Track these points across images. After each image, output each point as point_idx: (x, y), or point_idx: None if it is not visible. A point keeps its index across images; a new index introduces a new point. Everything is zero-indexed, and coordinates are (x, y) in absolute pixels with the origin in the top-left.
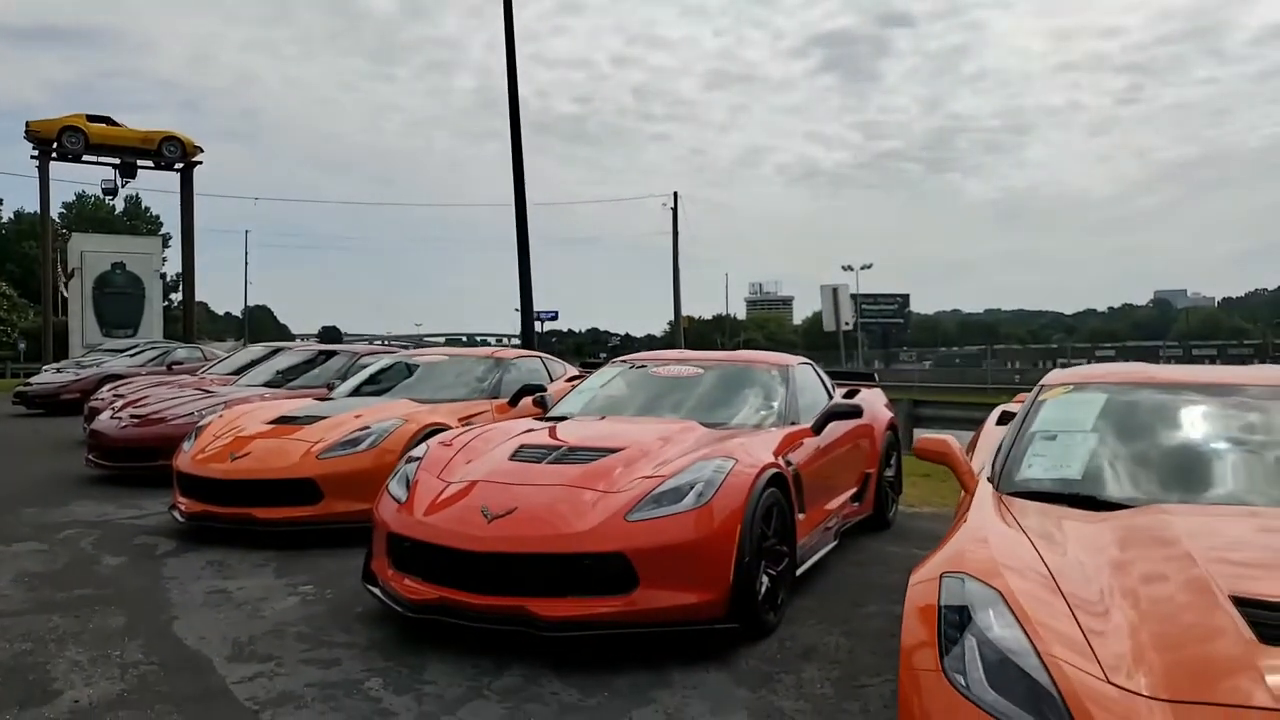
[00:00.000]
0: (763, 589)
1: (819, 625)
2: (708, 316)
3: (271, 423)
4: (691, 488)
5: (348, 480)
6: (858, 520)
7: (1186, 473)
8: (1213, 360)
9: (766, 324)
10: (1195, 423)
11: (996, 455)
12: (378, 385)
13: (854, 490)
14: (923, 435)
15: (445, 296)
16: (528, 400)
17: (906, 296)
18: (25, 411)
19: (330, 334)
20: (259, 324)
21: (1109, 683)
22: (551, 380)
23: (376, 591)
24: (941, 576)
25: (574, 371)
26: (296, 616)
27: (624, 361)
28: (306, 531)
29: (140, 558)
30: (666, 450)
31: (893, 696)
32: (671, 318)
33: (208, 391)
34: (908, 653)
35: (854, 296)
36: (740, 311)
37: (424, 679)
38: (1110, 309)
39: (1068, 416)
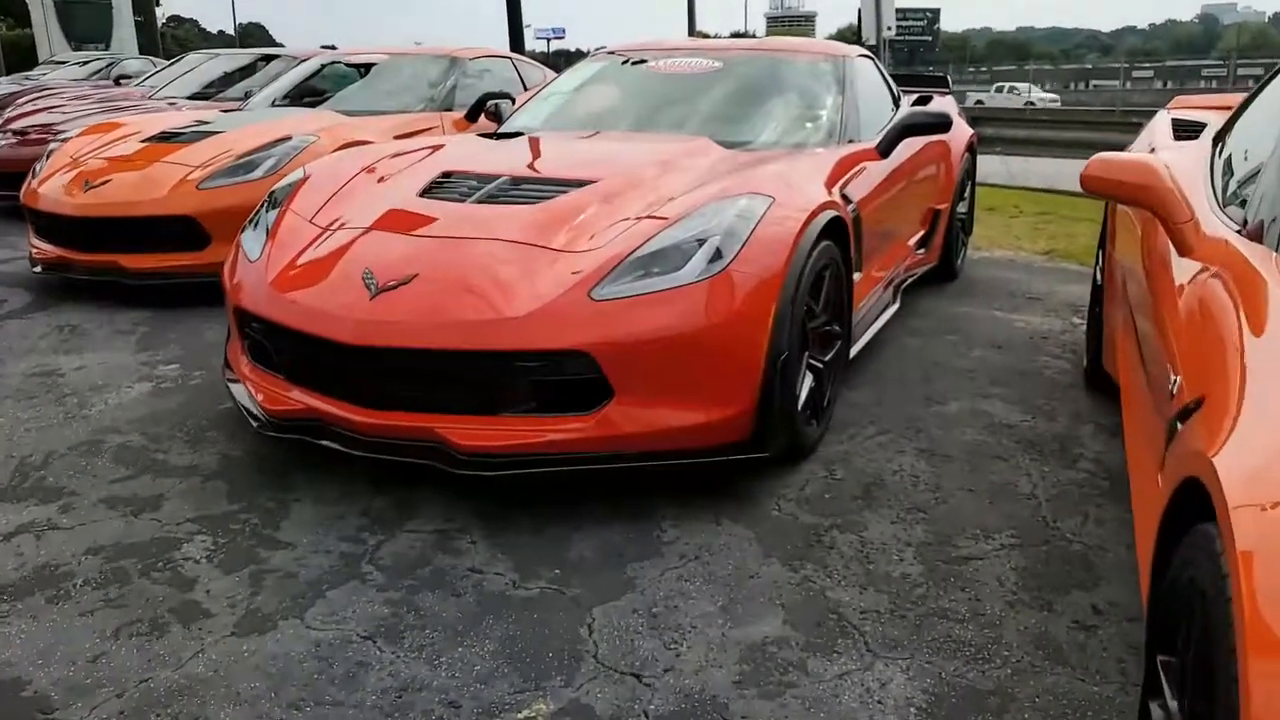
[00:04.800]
0: (804, 392)
1: (881, 437)
2: (725, 34)
3: (146, 140)
4: (701, 244)
5: (241, 218)
6: (922, 272)
7: None
8: (1257, 80)
9: None
10: None
11: (1251, 192)
12: (304, 95)
13: (921, 233)
14: (1100, 156)
15: (457, 15)
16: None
17: (937, 12)
18: None
19: None
20: (253, 42)
21: None
22: (526, 90)
23: (232, 391)
24: None
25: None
26: (134, 417)
27: (610, 53)
28: (199, 287)
29: None
30: (665, 182)
31: (1025, 578)
32: (685, 35)
33: (115, 105)
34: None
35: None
36: (760, 29)
37: (275, 539)
38: (1151, 25)
39: None
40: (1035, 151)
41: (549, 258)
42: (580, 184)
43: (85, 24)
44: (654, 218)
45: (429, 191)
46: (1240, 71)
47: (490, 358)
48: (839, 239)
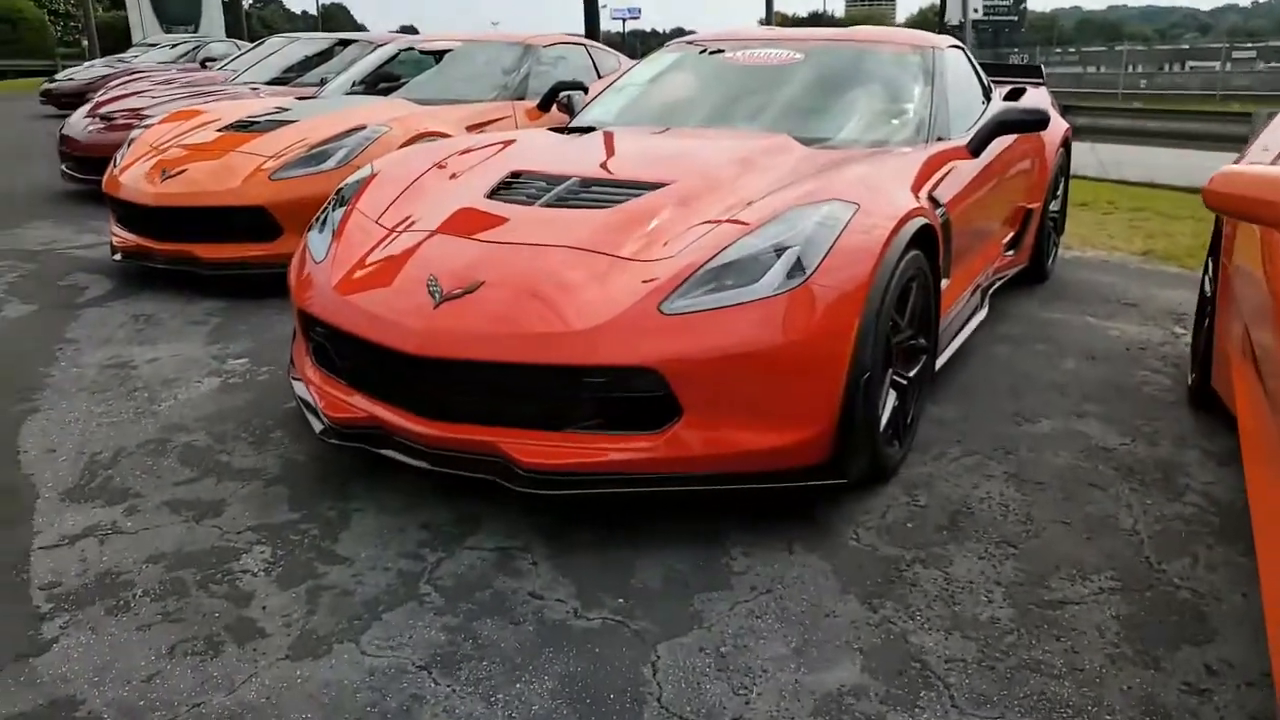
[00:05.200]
0: (887, 411)
1: (968, 459)
2: (803, 14)
3: (223, 129)
4: (779, 254)
5: (312, 209)
6: (1012, 274)
7: None
8: None
9: (867, 21)
10: None
11: None
12: (379, 81)
13: (1011, 234)
14: (1229, 170)
15: None
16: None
17: None
18: (56, 112)
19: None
20: (335, 24)
21: None
22: (600, 77)
23: (297, 391)
24: None
25: (629, 65)
26: (201, 414)
27: (688, 44)
28: (272, 278)
29: (54, 307)
30: (743, 184)
31: (1128, 629)
32: (761, 15)
33: (199, 90)
34: None
35: None
36: (839, 8)
37: (333, 552)
38: (1254, 3)
39: None
40: (1135, 141)
41: (618, 267)
42: (653, 186)
43: (176, 6)
44: (732, 222)
45: (497, 192)
46: None
47: (555, 372)
48: (927, 247)
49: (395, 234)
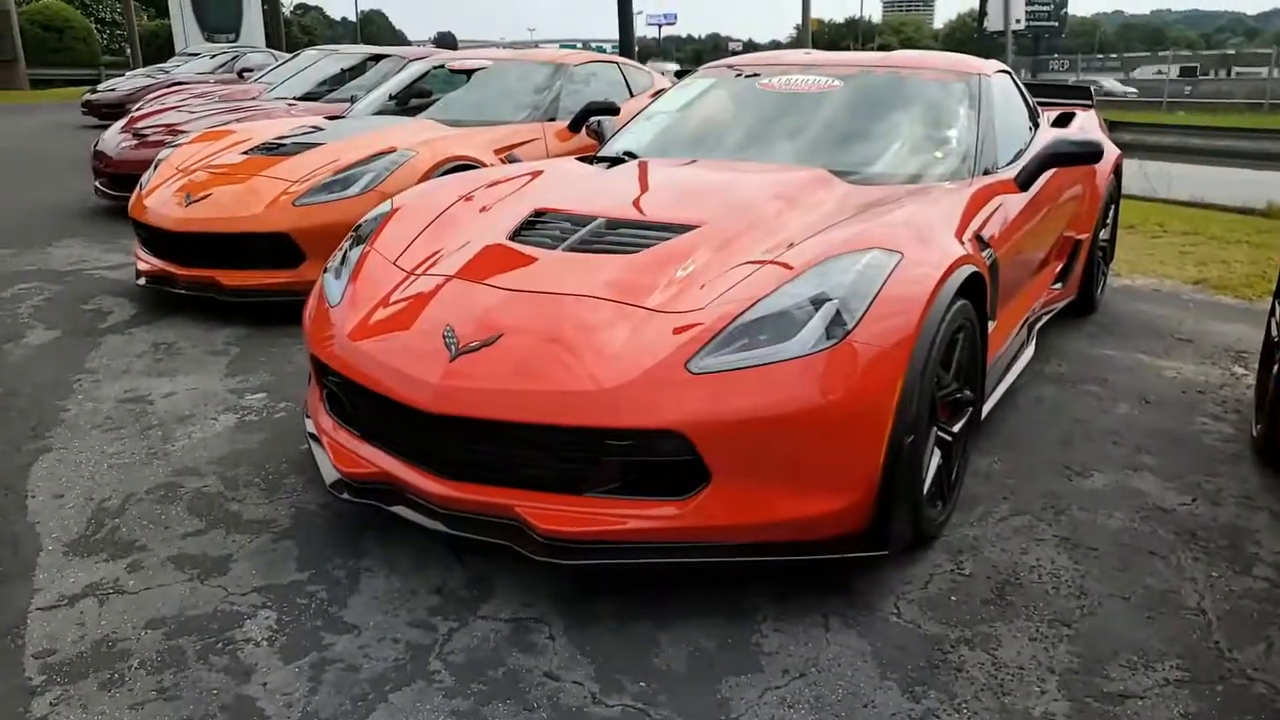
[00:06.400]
0: (930, 472)
1: (1016, 519)
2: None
3: (249, 152)
4: (817, 307)
5: (336, 236)
6: (1060, 307)
7: None
8: None
9: (904, 27)
10: None
11: None
12: (408, 100)
13: (1059, 266)
14: None
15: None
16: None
17: None
18: (97, 123)
19: (445, 41)
20: (375, 31)
21: None
22: (632, 96)
23: (310, 438)
24: None
25: (662, 83)
26: (214, 456)
27: (722, 67)
28: (294, 305)
29: (75, 334)
30: (780, 225)
31: None
32: (799, 21)
33: (236, 105)
34: None
35: None
36: (876, 14)
37: (341, 620)
38: None
39: None
40: (1188, 159)
41: (645, 318)
42: (684, 228)
43: (217, 14)
44: (767, 267)
45: (520, 233)
46: None
47: (576, 433)
48: (975, 294)
49: (413, 277)
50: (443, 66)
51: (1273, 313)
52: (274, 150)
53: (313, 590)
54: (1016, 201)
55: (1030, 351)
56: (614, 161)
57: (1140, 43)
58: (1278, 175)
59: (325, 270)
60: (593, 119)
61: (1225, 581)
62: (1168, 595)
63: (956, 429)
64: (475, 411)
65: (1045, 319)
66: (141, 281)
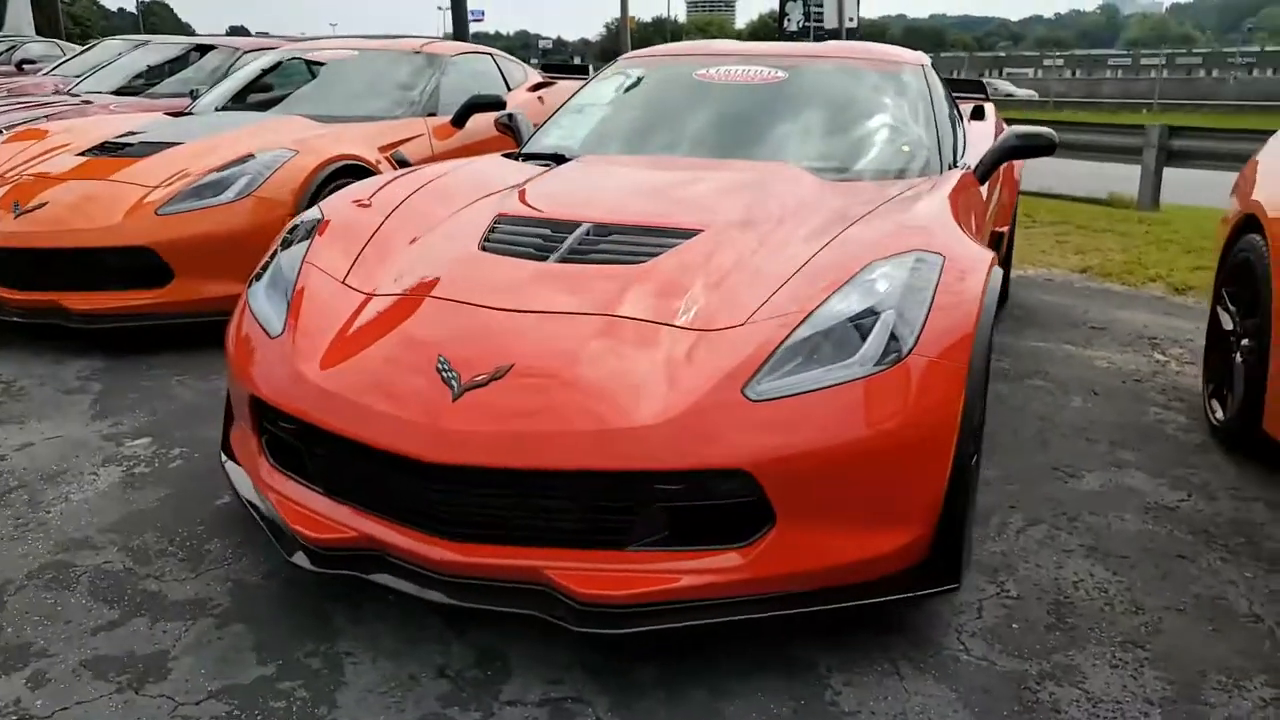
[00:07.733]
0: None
1: (1033, 529)
2: (647, 19)
3: (85, 154)
4: (875, 318)
5: (209, 250)
6: None
7: None
8: (1159, 69)
9: (709, 27)
10: None
11: None
12: (259, 95)
13: None
14: None
15: None
16: (480, 121)
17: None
18: None
19: (238, 35)
20: (158, 23)
21: None
22: (509, 89)
23: (238, 488)
24: None
25: (536, 77)
26: (107, 522)
27: (644, 57)
28: (160, 330)
29: None
30: (792, 226)
31: None
32: (608, 19)
33: (41, 102)
34: None
35: None
36: (680, 13)
37: None
38: (1057, 15)
39: None
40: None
41: (678, 339)
42: (687, 233)
43: None
44: (803, 271)
45: (489, 239)
46: (1143, 62)
47: (616, 478)
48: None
49: (375, 299)
50: (297, 59)
51: (1219, 300)
52: (118, 151)
53: (287, 689)
54: (979, 194)
55: None
56: (552, 159)
57: (923, 45)
58: (1112, 167)
59: (249, 285)
60: (501, 114)
61: (1262, 582)
62: (1218, 603)
63: (978, 453)
64: (488, 459)
65: None
66: None
